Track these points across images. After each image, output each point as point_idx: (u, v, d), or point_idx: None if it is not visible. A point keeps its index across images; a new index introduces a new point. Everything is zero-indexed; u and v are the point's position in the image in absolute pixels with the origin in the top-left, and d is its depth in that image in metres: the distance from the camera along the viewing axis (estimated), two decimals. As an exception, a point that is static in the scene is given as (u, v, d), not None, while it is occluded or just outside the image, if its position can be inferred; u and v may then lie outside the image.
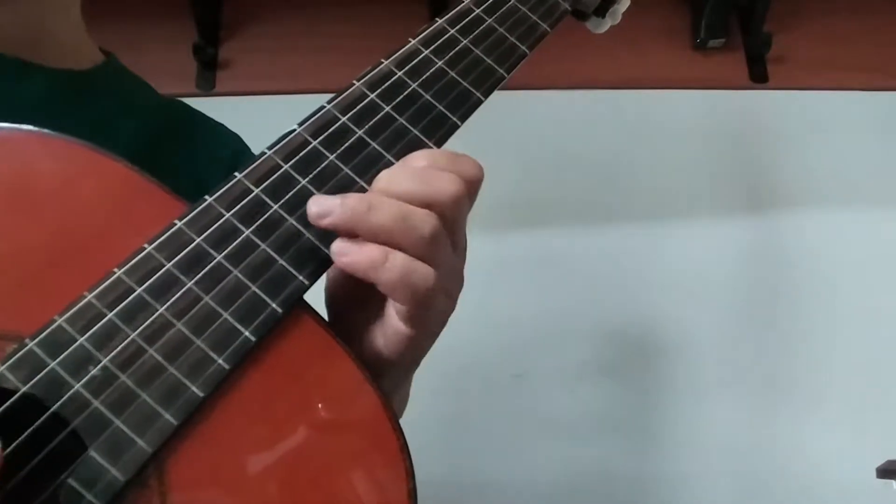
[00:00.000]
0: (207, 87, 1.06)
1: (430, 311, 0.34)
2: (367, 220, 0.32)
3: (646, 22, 1.15)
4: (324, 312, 0.41)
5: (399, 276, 0.32)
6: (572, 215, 1.05)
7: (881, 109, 1.17)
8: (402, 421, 0.37)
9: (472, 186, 0.34)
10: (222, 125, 0.55)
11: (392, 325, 0.34)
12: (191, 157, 0.50)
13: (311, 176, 0.37)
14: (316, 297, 0.37)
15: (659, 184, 1.11)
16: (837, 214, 1.11)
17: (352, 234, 0.33)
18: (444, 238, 0.33)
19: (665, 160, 1.12)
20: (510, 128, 1.03)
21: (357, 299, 0.36)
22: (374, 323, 0.35)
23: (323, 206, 0.33)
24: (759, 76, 1.18)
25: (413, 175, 0.34)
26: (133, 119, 0.49)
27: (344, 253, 0.33)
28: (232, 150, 0.53)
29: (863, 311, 1.05)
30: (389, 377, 0.37)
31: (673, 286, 1.06)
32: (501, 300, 0.94)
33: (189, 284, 0.34)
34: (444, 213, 0.33)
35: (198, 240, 0.35)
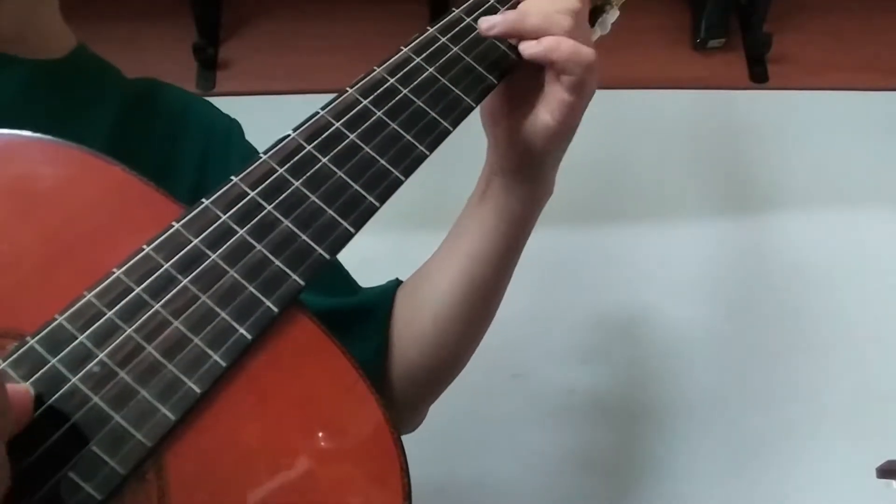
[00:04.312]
0: (207, 87, 1.06)
1: (591, 78, 0.43)
2: (525, 24, 0.43)
3: (646, 22, 1.15)
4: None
5: (571, 51, 0.42)
6: (572, 215, 1.05)
7: (881, 109, 1.16)
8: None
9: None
10: (189, 94, 0.57)
11: (557, 99, 0.44)
12: (160, 132, 0.52)
13: (304, 179, 0.38)
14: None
15: (659, 183, 1.11)
16: (837, 214, 1.11)
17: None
18: (580, 30, 0.44)
19: (665, 160, 1.13)
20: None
21: (515, 104, 0.46)
22: (536, 108, 0.45)
23: (489, 22, 0.44)
24: (759, 76, 1.17)
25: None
26: (105, 102, 0.50)
27: (528, 48, 0.43)
28: (202, 119, 0.55)
29: (864, 311, 1.05)
30: (557, 151, 0.47)
31: (674, 286, 1.06)
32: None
33: (186, 284, 0.35)
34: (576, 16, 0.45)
35: (195, 241, 0.36)
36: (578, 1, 0.45)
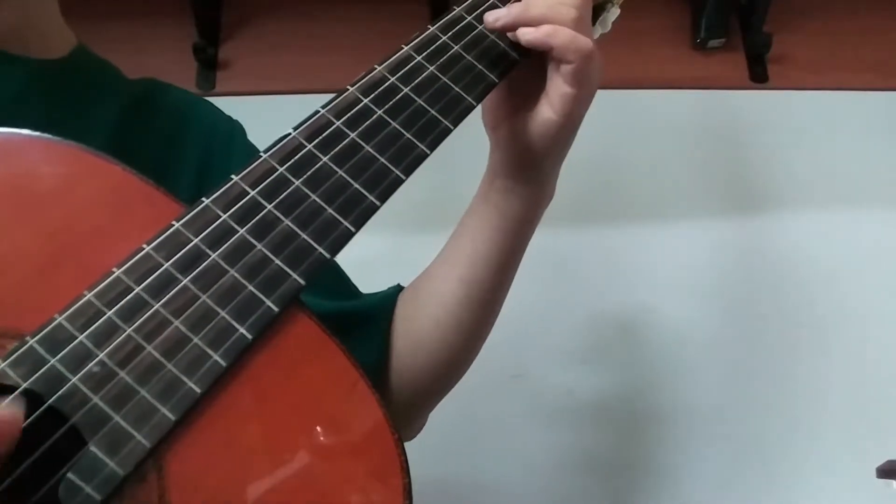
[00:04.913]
0: (207, 87, 1.07)
1: (591, 69, 0.43)
2: (529, 14, 0.43)
3: (646, 21, 1.16)
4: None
5: (570, 37, 0.42)
6: (572, 215, 1.05)
7: (881, 109, 1.17)
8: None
9: None
10: (192, 95, 0.57)
11: (558, 92, 0.43)
12: (161, 133, 0.52)
13: (304, 178, 0.38)
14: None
15: (658, 183, 1.11)
16: (838, 214, 1.11)
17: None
18: (584, 23, 0.44)
19: (665, 160, 1.13)
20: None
21: (517, 105, 0.46)
22: (538, 105, 0.45)
23: (494, 15, 0.44)
24: (759, 76, 1.17)
25: None
26: (107, 102, 0.50)
27: (526, 34, 0.43)
28: (204, 120, 0.55)
29: (864, 312, 1.05)
30: (558, 150, 0.46)
31: (675, 286, 1.06)
32: (501, 299, 0.94)
33: (186, 283, 0.35)
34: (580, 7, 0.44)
35: (195, 240, 0.35)
36: None
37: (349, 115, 0.40)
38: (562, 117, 0.44)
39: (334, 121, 0.39)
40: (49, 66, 0.49)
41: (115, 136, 0.48)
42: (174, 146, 0.51)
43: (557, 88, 0.43)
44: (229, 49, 1.09)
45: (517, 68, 0.45)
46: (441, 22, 0.44)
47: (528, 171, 0.47)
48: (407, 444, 0.36)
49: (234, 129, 0.56)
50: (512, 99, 0.46)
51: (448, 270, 0.49)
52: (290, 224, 0.37)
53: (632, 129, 1.12)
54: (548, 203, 0.50)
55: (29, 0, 0.48)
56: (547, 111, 0.44)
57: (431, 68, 0.42)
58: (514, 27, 0.43)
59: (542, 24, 0.43)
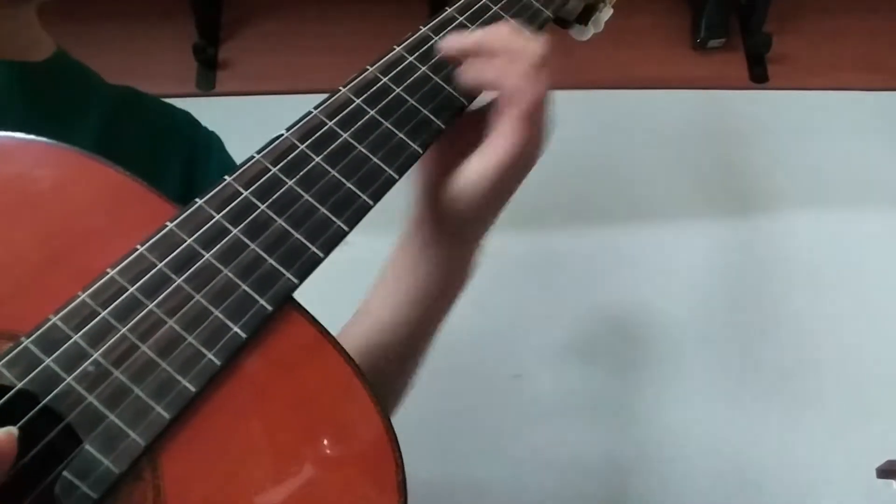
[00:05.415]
0: (207, 87, 1.07)
1: (539, 118, 0.40)
2: (488, 41, 0.40)
3: (645, 21, 1.16)
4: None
5: (522, 76, 0.39)
6: (572, 216, 1.05)
7: (881, 109, 1.17)
8: (399, 419, 0.38)
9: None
10: (170, 104, 0.57)
11: (504, 133, 0.39)
12: (145, 137, 0.52)
13: (297, 178, 0.38)
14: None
15: (658, 183, 1.11)
16: (837, 214, 1.11)
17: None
18: (547, 64, 0.40)
19: (665, 160, 1.13)
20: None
21: (454, 155, 0.42)
22: (474, 154, 0.41)
23: (450, 42, 0.41)
24: (759, 76, 1.18)
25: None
26: (91, 106, 0.51)
27: (468, 71, 0.41)
28: (184, 129, 0.55)
29: (863, 311, 1.05)
30: (487, 209, 0.42)
31: (674, 286, 1.06)
32: (500, 301, 0.94)
33: (180, 283, 0.35)
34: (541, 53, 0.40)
35: (189, 240, 0.36)
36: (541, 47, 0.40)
37: (342, 115, 0.40)
38: (496, 169, 0.39)
39: (327, 121, 0.39)
40: (32, 69, 0.49)
41: (99, 140, 0.48)
42: (157, 152, 0.51)
43: (499, 135, 0.39)
44: (229, 49, 1.10)
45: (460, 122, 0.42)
46: (433, 23, 0.44)
47: (448, 233, 0.43)
48: (406, 444, 0.36)
49: (212, 141, 0.56)
50: (450, 153, 0.41)
51: (351, 338, 0.45)
52: (283, 224, 0.37)
53: (632, 129, 1.12)
54: (463, 284, 0.45)
55: (17, 6, 0.48)
56: (481, 161, 0.40)
57: (423, 68, 0.42)
58: (468, 55, 0.40)
59: (502, 55, 0.39)
